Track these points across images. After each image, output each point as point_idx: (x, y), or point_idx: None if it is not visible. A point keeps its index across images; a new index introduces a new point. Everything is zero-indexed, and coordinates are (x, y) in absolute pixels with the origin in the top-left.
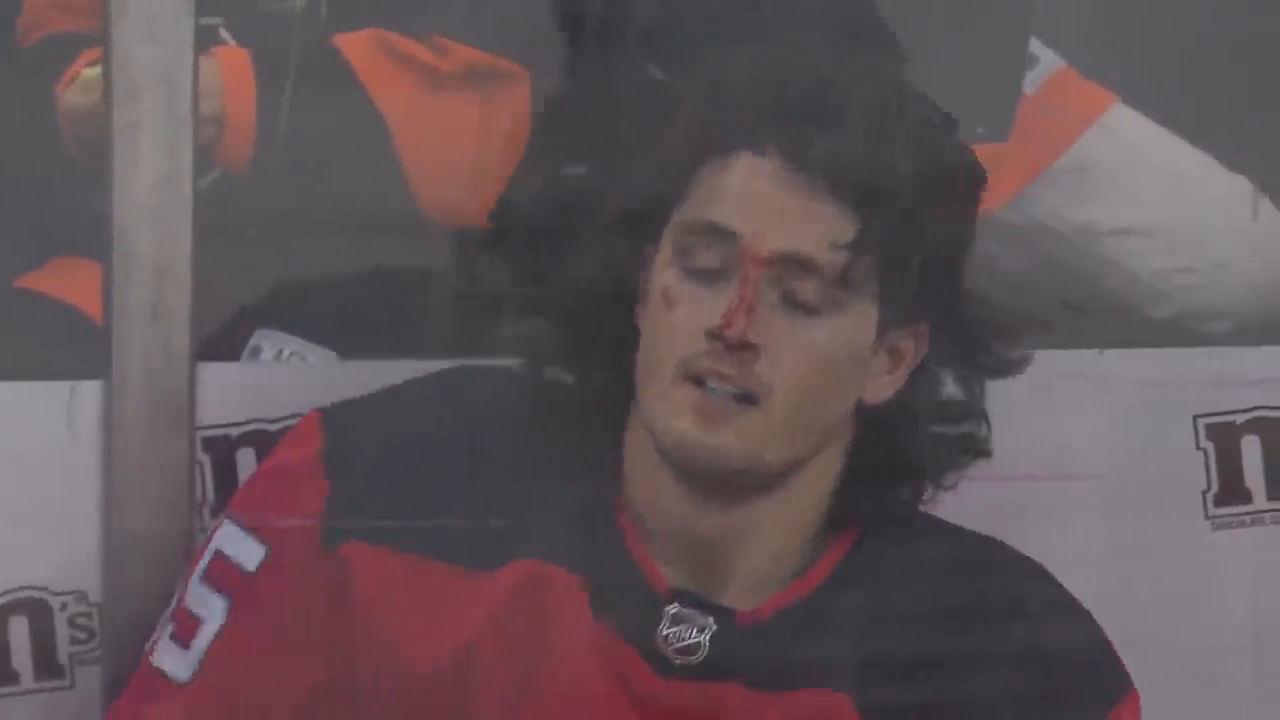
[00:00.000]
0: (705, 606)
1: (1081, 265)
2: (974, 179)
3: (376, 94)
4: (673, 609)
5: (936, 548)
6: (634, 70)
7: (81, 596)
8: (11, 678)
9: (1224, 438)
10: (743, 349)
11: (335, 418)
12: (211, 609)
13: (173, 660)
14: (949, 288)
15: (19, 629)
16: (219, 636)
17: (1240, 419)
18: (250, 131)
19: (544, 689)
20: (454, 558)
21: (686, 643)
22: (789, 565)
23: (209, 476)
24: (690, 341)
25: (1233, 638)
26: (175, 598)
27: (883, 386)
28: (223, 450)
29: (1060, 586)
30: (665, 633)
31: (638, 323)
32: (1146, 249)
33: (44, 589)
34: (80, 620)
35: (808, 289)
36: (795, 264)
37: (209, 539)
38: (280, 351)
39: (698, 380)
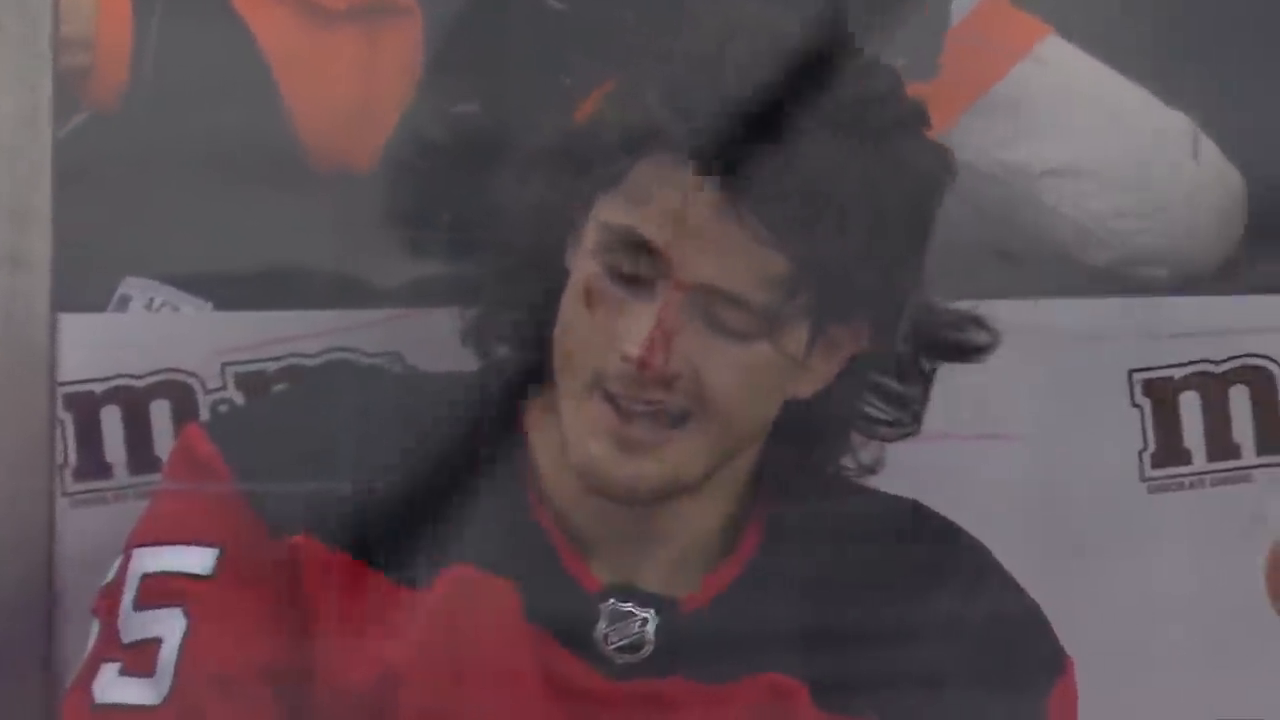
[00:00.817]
0: (645, 599)
1: (1012, 208)
2: (933, 184)
3: (257, 29)
4: (609, 605)
5: (856, 510)
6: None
7: None
8: None
9: (1161, 394)
10: (661, 380)
11: (216, 425)
12: (166, 625)
13: (135, 690)
14: (894, 289)
15: None
16: (187, 640)
17: (1178, 374)
18: (124, 59)
19: (480, 704)
20: (391, 569)
21: (629, 639)
22: (713, 546)
23: (71, 436)
24: (607, 354)
25: (1169, 606)
26: (94, 644)
27: (813, 380)
28: (86, 407)
29: (983, 548)
30: (605, 631)
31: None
32: (1081, 190)
33: None
34: None
35: (735, 319)
36: (722, 298)
37: (122, 572)
38: (151, 301)
39: (612, 399)
